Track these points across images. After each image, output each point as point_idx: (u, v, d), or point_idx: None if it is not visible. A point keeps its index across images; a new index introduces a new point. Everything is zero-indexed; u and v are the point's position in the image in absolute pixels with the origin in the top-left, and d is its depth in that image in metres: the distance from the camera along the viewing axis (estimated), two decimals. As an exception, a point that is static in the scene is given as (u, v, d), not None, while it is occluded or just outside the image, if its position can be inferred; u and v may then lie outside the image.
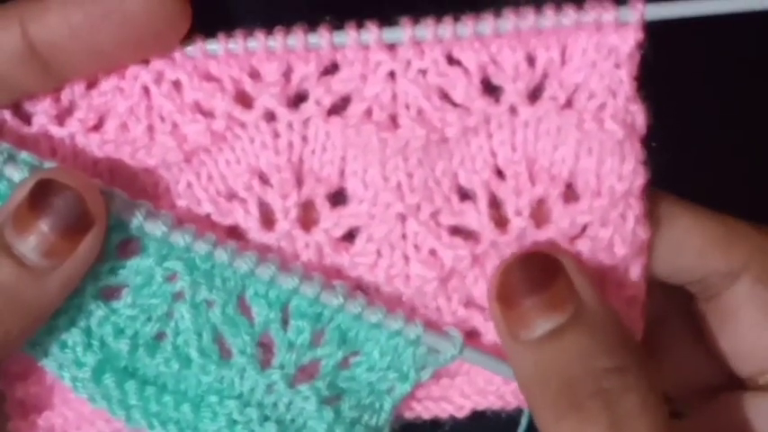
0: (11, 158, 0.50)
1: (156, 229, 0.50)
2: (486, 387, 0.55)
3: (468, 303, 0.54)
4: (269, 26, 0.51)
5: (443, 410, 0.57)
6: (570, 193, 0.52)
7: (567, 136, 0.50)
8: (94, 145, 0.52)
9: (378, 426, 0.54)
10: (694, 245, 0.52)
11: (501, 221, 0.51)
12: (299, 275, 0.51)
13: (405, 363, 0.53)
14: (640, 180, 0.50)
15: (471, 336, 0.54)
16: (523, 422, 0.62)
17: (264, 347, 0.53)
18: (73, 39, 0.48)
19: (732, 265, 0.51)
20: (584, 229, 0.52)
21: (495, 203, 0.52)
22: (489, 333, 0.54)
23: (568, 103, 0.49)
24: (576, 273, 0.49)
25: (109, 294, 0.52)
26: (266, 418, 0.53)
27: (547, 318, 0.48)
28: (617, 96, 0.48)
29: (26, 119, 0.53)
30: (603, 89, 0.48)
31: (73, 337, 0.52)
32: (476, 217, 0.51)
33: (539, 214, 0.52)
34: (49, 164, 0.50)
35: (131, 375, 0.53)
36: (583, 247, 0.51)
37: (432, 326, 0.53)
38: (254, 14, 0.52)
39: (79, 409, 0.56)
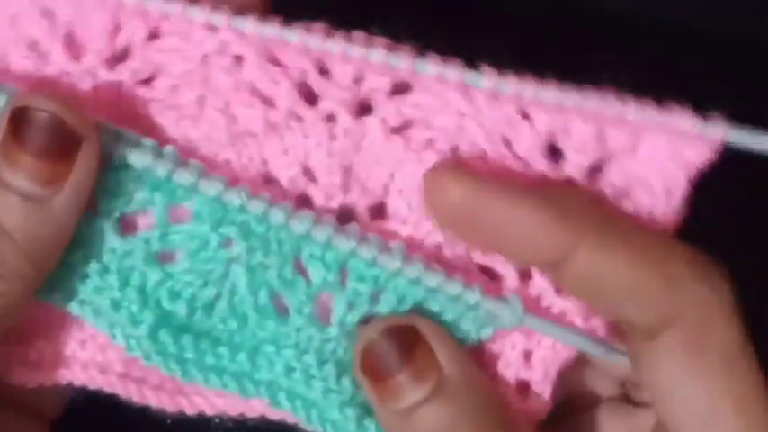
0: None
1: (210, 188, 0.49)
2: None
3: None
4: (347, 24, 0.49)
5: None
6: None
7: None
8: (140, 100, 0.50)
9: None
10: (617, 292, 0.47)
11: (526, 275, 0.52)
12: (356, 237, 0.50)
13: (464, 323, 0.52)
14: None
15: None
16: None
17: (322, 305, 0.52)
18: None
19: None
20: None
21: None
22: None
23: (624, 192, 0.49)
24: (437, 341, 0.49)
25: (162, 258, 0.51)
26: (324, 362, 0.53)
27: (413, 389, 0.49)
28: (671, 197, 0.49)
29: (75, 50, 0.50)
30: (661, 190, 0.49)
31: (127, 296, 0.51)
32: (504, 263, 0.52)
33: None
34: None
35: (186, 330, 0.52)
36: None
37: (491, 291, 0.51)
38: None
39: (59, 349, 0.55)
